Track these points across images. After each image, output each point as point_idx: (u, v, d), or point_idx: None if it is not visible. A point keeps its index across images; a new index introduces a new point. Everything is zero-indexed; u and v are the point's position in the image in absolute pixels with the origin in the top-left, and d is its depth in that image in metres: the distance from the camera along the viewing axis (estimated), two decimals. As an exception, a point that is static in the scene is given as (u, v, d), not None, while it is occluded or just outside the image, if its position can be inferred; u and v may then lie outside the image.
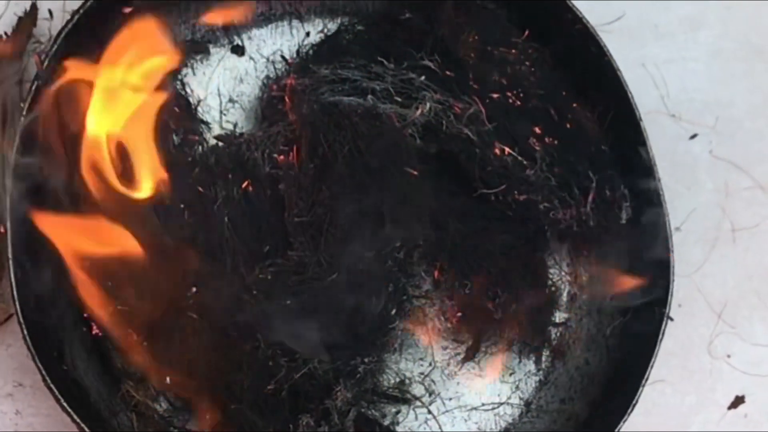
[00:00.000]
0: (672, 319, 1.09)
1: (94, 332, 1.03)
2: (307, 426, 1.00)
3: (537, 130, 1.07)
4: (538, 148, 1.07)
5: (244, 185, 1.04)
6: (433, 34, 1.09)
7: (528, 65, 1.13)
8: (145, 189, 1.01)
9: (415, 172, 1.02)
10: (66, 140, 1.00)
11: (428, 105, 1.04)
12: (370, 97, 1.04)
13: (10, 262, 0.98)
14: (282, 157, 1.04)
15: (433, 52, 1.08)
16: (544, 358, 1.13)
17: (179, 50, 1.06)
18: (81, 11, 1.01)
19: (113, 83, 1.01)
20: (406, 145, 1.02)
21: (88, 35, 1.02)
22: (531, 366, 1.13)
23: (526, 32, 1.13)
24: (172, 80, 1.07)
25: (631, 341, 1.12)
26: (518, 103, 1.09)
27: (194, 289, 1.00)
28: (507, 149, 1.05)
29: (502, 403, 1.12)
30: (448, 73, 1.08)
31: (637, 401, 1.06)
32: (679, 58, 1.24)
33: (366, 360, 1.02)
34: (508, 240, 1.09)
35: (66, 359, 1.01)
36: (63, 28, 1.01)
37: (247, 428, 1.00)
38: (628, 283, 1.11)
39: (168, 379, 1.01)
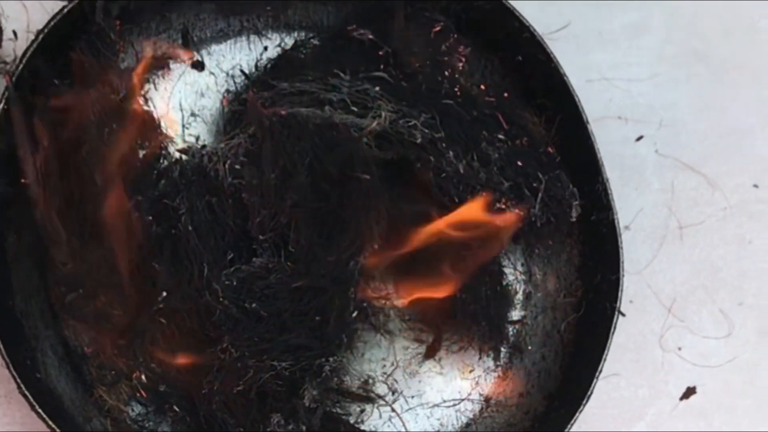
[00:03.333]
0: (623, 315, 1.12)
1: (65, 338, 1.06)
2: (278, 425, 1.02)
3: (488, 135, 1.10)
4: (489, 152, 1.09)
5: (207, 196, 1.05)
6: (385, 47, 1.11)
7: (478, 74, 1.16)
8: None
9: (371, 179, 1.04)
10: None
11: (383, 114, 1.06)
12: (327, 108, 1.06)
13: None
14: (244, 168, 1.05)
15: (387, 64, 1.11)
16: (502, 355, 1.16)
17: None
18: (45, 31, 1.03)
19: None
20: (363, 154, 1.04)
21: (54, 55, 1.05)
22: (490, 363, 1.16)
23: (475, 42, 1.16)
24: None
25: (584, 336, 1.15)
26: (470, 110, 1.11)
27: (164, 294, 1.03)
28: (459, 155, 1.08)
29: (462, 399, 1.15)
30: (401, 83, 1.11)
31: (591, 394, 1.08)
32: (623, 63, 1.27)
33: (330, 360, 1.03)
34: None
35: (39, 367, 1.03)
36: (27, 49, 1.03)
37: (218, 429, 1.03)
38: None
39: (143, 377, 1.03)
